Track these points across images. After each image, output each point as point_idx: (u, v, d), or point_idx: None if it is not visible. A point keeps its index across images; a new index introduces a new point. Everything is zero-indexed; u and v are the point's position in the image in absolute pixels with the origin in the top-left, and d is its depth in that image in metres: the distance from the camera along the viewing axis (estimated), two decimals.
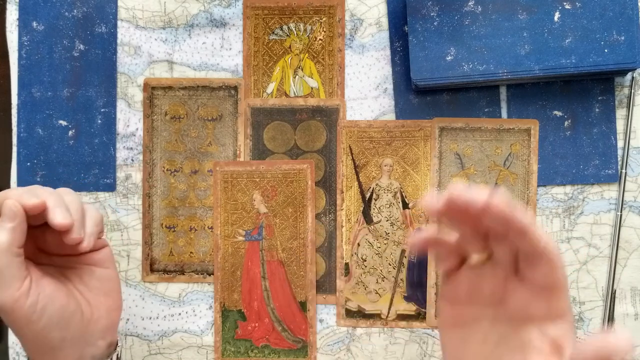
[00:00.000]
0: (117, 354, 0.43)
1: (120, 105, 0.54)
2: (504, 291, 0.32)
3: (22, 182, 0.54)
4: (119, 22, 0.54)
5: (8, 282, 0.35)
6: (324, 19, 0.54)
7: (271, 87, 0.54)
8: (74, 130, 0.54)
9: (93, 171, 0.54)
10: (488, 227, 0.30)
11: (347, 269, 0.54)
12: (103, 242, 0.42)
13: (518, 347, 0.31)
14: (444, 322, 0.35)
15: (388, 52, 0.54)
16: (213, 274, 0.54)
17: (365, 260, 0.53)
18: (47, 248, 0.41)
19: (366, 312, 0.54)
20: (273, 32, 0.54)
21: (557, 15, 0.50)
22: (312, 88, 0.54)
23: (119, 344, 0.43)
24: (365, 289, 0.54)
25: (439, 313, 0.36)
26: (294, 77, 0.54)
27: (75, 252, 0.40)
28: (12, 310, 0.35)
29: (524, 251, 0.30)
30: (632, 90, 0.52)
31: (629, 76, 0.53)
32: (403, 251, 0.53)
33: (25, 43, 0.54)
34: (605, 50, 0.49)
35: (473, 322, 0.33)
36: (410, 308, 0.53)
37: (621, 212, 0.52)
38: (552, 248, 0.30)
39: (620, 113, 0.53)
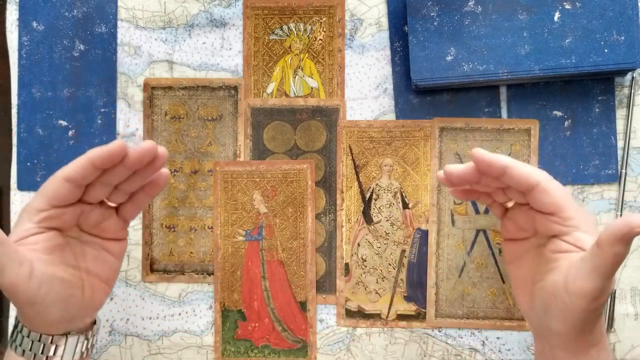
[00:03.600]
0: (97, 330, 0.45)
1: (120, 105, 0.54)
2: (533, 224, 0.41)
3: (22, 182, 0.54)
4: (119, 22, 0.54)
5: (8, 268, 0.37)
6: (324, 19, 0.54)
7: (271, 87, 0.54)
8: (74, 130, 0.54)
9: None
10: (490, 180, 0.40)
11: (347, 269, 0.54)
12: (126, 234, 0.45)
13: (552, 258, 0.39)
14: (507, 259, 0.45)
15: (388, 52, 0.54)
16: (213, 274, 0.54)
17: (365, 260, 0.53)
18: (84, 224, 0.42)
19: (366, 312, 0.54)
20: (273, 32, 0.54)
21: (557, 15, 0.50)
22: (312, 88, 0.54)
23: (98, 321, 0.45)
24: (365, 289, 0.54)
25: (504, 255, 0.47)
26: (294, 77, 0.54)
27: (105, 235, 0.43)
28: (14, 293, 0.37)
29: (516, 190, 0.40)
30: (632, 90, 0.52)
31: (629, 76, 0.53)
32: (403, 251, 0.53)
33: (25, 43, 0.54)
34: (605, 50, 0.49)
35: (524, 253, 0.43)
36: (410, 308, 0.53)
37: (621, 212, 0.52)
38: (535, 178, 0.38)
39: (620, 113, 0.53)
